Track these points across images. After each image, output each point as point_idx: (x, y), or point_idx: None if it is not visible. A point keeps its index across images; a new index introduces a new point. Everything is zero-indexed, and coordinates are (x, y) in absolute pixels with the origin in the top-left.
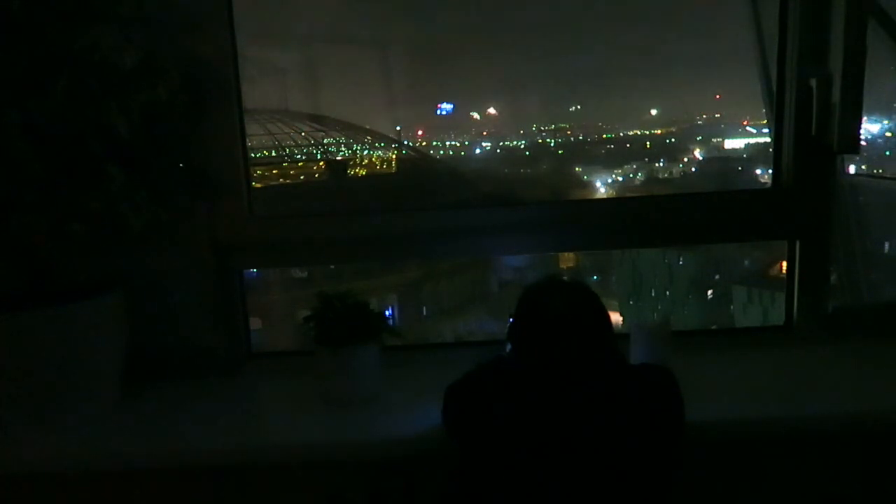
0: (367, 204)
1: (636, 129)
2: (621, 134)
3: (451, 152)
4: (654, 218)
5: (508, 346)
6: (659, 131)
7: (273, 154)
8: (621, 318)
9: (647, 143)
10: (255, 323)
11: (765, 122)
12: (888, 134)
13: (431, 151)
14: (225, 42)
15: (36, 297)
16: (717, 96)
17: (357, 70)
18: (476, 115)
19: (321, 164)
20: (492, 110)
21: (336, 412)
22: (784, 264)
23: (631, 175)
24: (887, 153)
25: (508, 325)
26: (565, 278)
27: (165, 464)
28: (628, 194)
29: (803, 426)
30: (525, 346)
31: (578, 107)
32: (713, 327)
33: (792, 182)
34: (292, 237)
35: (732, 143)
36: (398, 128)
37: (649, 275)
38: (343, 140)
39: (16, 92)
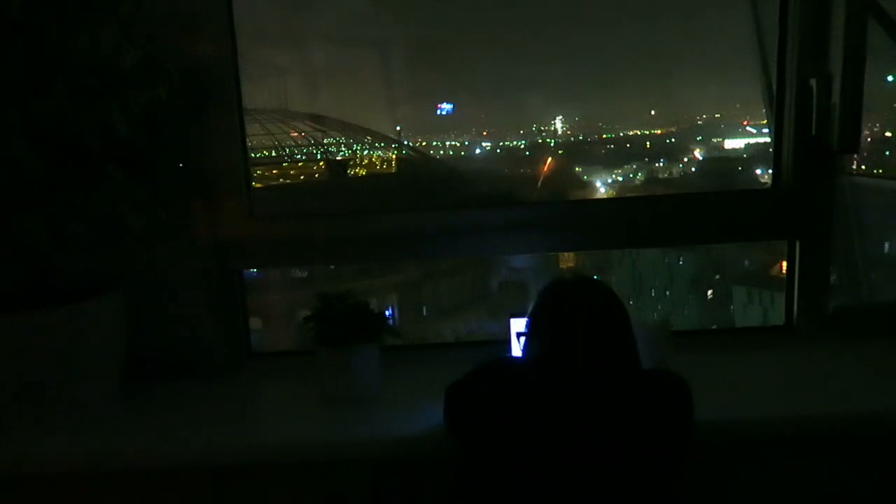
0: (367, 204)
1: (636, 129)
2: (621, 134)
3: (450, 152)
4: (654, 218)
5: (522, 340)
6: (659, 131)
7: (273, 154)
8: None
9: (647, 143)
10: (255, 323)
11: (765, 122)
12: (888, 134)
13: (431, 151)
14: (225, 42)
15: (36, 297)
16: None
17: (357, 70)
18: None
19: (321, 164)
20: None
21: (336, 412)
22: (784, 264)
23: (631, 175)
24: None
25: (528, 321)
26: (596, 277)
27: (165, 464)
28: (628, 194)
29: (803, 426)
30: (546, 338)
31: (579, 107)
32: (713, 327)
33: (792, 182)
34: (292, 237)
35: (732, 143)
36: (398, 128)
37: (649, 275)
38: (343, 140)
39: (16, 92)
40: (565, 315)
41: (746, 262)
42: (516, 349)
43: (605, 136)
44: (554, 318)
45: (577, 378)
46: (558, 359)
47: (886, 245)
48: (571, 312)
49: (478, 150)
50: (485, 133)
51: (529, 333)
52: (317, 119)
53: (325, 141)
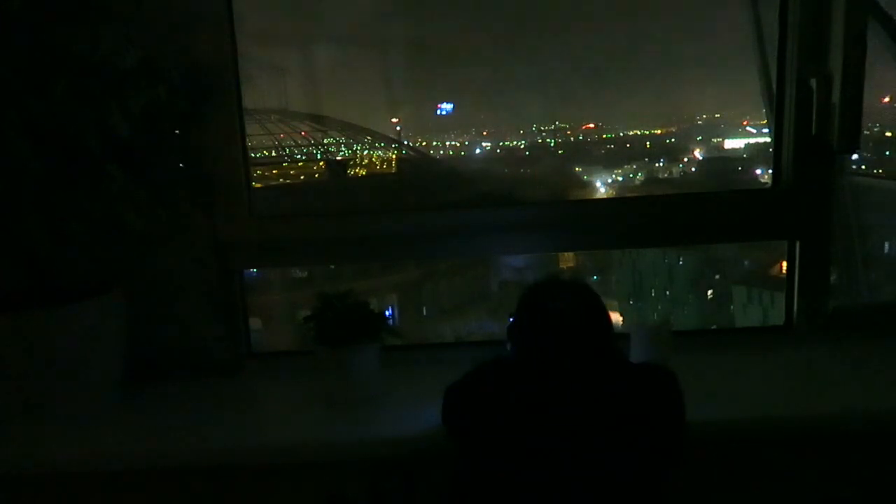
0: (367, 204)
1: (636, 129)
2: (621, 134)
3: (450, 152)
4: (654, 218)
5: (509, 346)
6: (659, 131)
7: (273, 154)
8: (621, 318)
9: (647, 143)
10: (255, 323)
11: (765, 122)
12: (888, 134)
13: (431, 151)
14: (225, 42)
15: (36, 297)
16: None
17: (357, 70)
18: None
19: (321, 164)
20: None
21: (336, 412)
22: (784, 264)
23: (631, 175)
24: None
25: (510, 323)
26: (567, 277)
27: (165, 464)
28: (628, 194)
29: (803, 426)
30: (527, 344)
31: (578, 107)
32: (713, 327)
33: (792, 182)
34: (292, 237)
35: (732, 143)
36: (398, 128)
37: (649, 275)
38: (343, 140)
39: (16, 92)
40: (546, 317)
41: (746, 262)
42: None
43: (605, 136)
44: (536, 322)
45: (567, 378)
46: (544, 360)
47: (886, 245)
48: (552, 315)
49: (478, 150)
50: (485, 133)
51: (515, 338)
52: (317, 119)
53: (325, 141)
